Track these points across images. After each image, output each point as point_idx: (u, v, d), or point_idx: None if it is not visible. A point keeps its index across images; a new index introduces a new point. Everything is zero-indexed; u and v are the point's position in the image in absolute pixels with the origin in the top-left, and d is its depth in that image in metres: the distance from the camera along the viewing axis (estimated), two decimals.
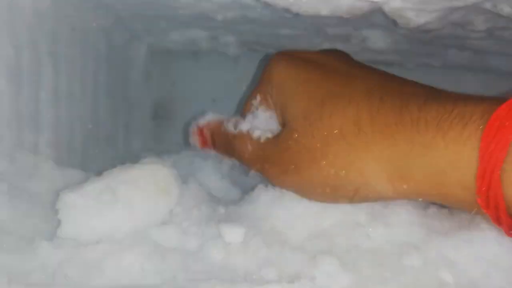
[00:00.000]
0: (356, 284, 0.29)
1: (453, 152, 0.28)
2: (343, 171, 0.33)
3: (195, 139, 0.45)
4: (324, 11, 0.36)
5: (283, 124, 0.38)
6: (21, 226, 0.36)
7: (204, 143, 0.45)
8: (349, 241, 0.33)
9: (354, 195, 0.34)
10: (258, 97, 0.40)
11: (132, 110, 0.64)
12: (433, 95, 0.32)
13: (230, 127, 0.40)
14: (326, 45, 0.61)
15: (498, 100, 0.28)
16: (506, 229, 0.29)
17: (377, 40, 0.51)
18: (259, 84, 0.41)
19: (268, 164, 0.38)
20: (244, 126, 0.39)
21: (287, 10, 0.39)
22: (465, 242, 0.31)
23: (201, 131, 0.45)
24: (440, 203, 0.33)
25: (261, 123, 0.39)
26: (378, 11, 0.36)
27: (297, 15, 0.44)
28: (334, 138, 0.34)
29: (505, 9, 0.33)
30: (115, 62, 0.59)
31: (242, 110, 0.42)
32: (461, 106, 0.29)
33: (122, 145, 0.62)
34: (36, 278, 0.29)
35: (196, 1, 0.46)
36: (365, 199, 0.34)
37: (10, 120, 0.40)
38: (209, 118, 0.44)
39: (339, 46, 0.60)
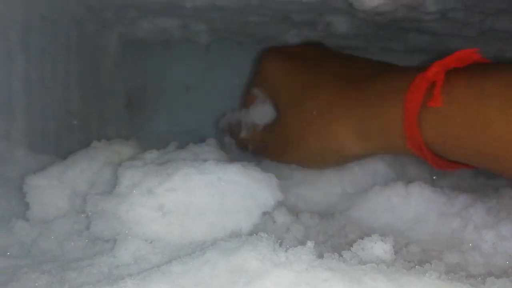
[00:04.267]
0: None
1: (391, 112, 0.37)
2: (326, 142, 0.43)
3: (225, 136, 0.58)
4: None
5: (277, 111, 0.47)
6: None
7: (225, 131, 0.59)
8: None
9: (338, 159, 0.44)
10: (254, 91, 0.50)
11: (105, 99, 0.65)
12: (383, 70, 0.41)
13: (233, 125, 0.49)
14: (294, 32, 0.63)
15: (419, 69, 0.37)
16: (434, 165, 0.37)
17: (340, 25, 0.53)
18: (253, 78, 0.54)
19: (269, 150, 0.49)
20: (245, 120, 0.48)
21: None
22: None
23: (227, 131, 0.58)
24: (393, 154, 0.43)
25: (259, 113, 0.47)
26: None
27: (262, 1, 0.46)
28: (315, 118, 0.43)
29: None
30: (86, 51, 0.59)
31: (242, 104, 0.54)
32: (397, 77, 0.38)
33: (96, 133, 0.63)
34: (14, 251, 0.30)
35: None
36: (346, 159, 0.44)
37: None
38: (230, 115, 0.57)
39: (306, 32, 0.62)
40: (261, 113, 0.51)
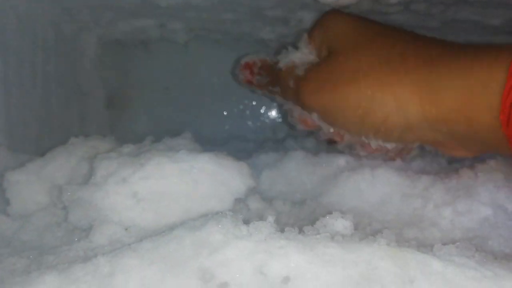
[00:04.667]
0: None
1: (486, 73, 0.31)
2: (379, 93, 0.36)
3: (243, 74, 0.51)
4: None
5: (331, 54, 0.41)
6: None
7: (249, 79, 0.51)
8: None
9: (382, 124, 0.37)
10: (305, 37, 0.44)
11: (85, 100, 0.66)
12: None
13: (277, 59, 0.46)
14: (268, 29, 0.65)
15: None
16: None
17: (311, 20, 0.55)
18: (311, 30, 0.44)
19: (304, 82, 0.41)
20: (289, 57, 0.44)
21: None
22: None
23: (250, 67, 0.50)
24: (460, 135, 0.35)
25: (303, 57, 0.44)
26: None
27: None
28: (379, 63, 0.37)
29: None
30: (65, 52, 0.60)
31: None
32: (495, 46, 0.32)
33: (76, 133, 0.63)
34: None
35: None
36: (390, 131, 0.37)
37: None
38: (254, 56, 0.51)
39: (280, 29, 0.64)
40: (304, 57, 0.44)
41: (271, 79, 0.48)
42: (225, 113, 0.77)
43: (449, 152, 0.39)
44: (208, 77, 0.76)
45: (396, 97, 0.35)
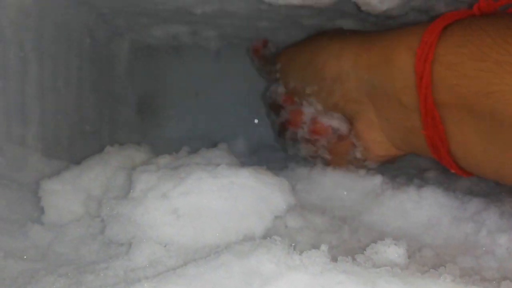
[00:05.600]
0: None
1: (414, 26, 0.37)
2: (327, 41, 0.45)
3: (256, 46, 0.62)
4: (295, 1, 0.39)
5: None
6: (12, 213, 0.38)
7: (259, 51, 0.62)
8: None
9: (322, 67, 0.45)
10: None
11: (117, 105, 0.66)
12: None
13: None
14: (303, 37, 0.63)
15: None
16: (424, 84, 0.36)
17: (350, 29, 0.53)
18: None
19: (278, 57, 0.55)
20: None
21: (261, 1, 0.41)
22: None
23: (265, 42, 0.61)
24: (379, 80, 0.41)
25: None
26: (346, 0, 0.38)
27: (272, 6, 0.46)
28: (338, 39, 0.45)
29: None
30: (98, 57, 0.60)
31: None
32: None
33: (107, 139, 0.63)
34: (29, 255, 0.31)
35: None
36: (325, 75, 0.45)
37: None
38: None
39: None
40: None
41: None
42: (255, 121, 0.75)
43: (367, 136, 0.45)
44: (239, 84, 0.75)
45: (339, 46, 0.44)
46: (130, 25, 0.61)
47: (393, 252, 0.26)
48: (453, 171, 0.38)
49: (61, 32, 0.51)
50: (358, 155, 0.46)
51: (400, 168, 0.49)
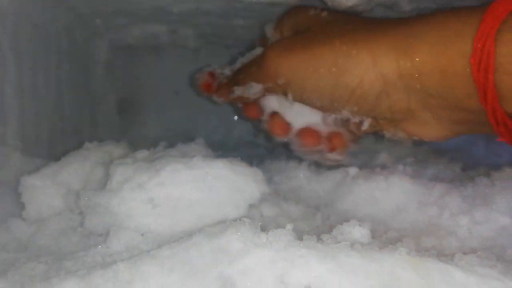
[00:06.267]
0: None
1: (460, 23, 0.31)
2: (354, 50, 0.34)
3: (202, 82, 0.48)
4: None
5: None
6: None
7: (209, 87, 0.48)
8: None
9: (357, 86, 0.35)
10: (270, 27, 0.44)
11: (97, 104, 0.67)
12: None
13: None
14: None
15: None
16: (489, 98, 0.31)
17: None
18: (278, 20, 0.43)
19: (271, 47, 0.38)
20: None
21: None
22: None
23: (211, 74, 0.48)
24: (433, 93, 0.34)
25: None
26: None
27: (245, 4, 0.47)
28: (354, 21, 0.37)
29: None
30: (77, 57, 0.61)
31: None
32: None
33: (88, 138, 0.64)
34: (11, 247, 0.32)
35: None
36: (366, 95, 0.35)
37: None
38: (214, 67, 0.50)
39: None
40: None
41: (232, 80, 0.45)
42: (235, 118, 0.77)
43: (421, 132, 0.37)
44: None
45: (372, 53, 0.34)
46: (109, 25, 0.62)
47: (357, 232, 0.28)
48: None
49: (39, 32, 0.51)
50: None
51: (372, 158, 0.51)
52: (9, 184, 0.43)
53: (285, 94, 0.39)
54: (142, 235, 0.31)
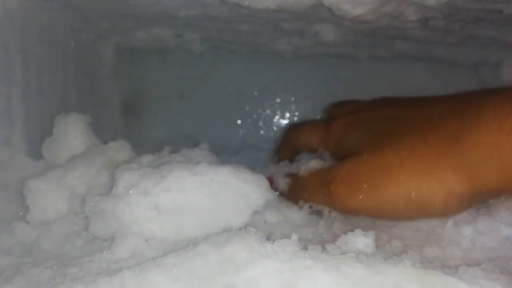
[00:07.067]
0: None
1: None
2: (424, 184, 0.34)
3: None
4: (272, 5, 0.40)
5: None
6: None
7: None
8: None
9: (445, 209, 0.35)
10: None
11: (101, 107, 0.67)
12: (488, 97, 0.33)
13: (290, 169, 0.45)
14: (284, 40, 0.65)
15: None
16: None
17: (328, 33, 0.55)
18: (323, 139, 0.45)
19: (334, 185, 0.38)
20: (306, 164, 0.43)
21: (240, 5, 0.43)
22: None
23: (271, 180, 0.46)
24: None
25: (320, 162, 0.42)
26: (321, 5, 0.40)
27: (251, 10, 0.48)
28: (408, 153, 0.35)
29: (429, 1, 0.38)
30: (83, 60, 0.61)
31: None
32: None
33: None
34: (15, 251, 0.32)
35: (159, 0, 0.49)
36: (456, 210, 0.35)
37: None
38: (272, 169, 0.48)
39: (296, 40, 0.65)
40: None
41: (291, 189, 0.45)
42: (238, 122, 0.77)
43: None
44: (222, 86, 0.77)
45: (443, 183, 0.34)
46: (115, 27, 0.63)
47: (362, 242, 0.28)
48: None
49: (46, 34, 0.52)
50: None
51: None
52: (14, 186, 0.43)
53: None
54: (147, 240, 0.31)
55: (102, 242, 0.33)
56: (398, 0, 0.39)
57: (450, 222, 0.36)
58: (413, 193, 0.34)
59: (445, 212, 0.35)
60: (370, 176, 0.36)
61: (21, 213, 0.39)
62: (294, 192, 0.44)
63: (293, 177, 0.44)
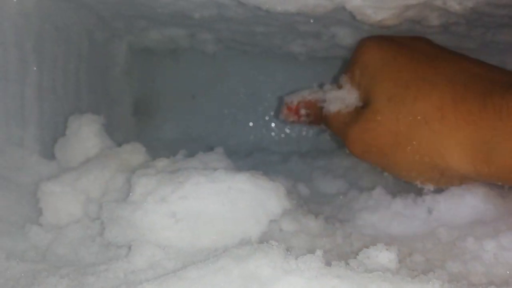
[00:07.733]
0: None
1: None
2: (427, 157, 0.35)
3: (287, 114, 0.50)
4: (293, 9, 0.39)
5: (365, 104, 0.41)
6: (11, 214, 0.38)
7: (295, 120, 0.49)
8: None
9: (440, 179, 0.37)
10: (344, 77, 0.44)
11: (114, 106, 0.67)
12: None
13: (319, 102, 0.46)
14: (299, 42, 0.64)
15: None
16: None
17: (345, 36, 0.54)
18: (347, 65, 0.44)
19: (348, 143, 0.41)
20: (333, 97, 0.44)
21: (258, 8, 0.42)
22: None
23: (296, 107, 0.48)
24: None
25: (347, 98, 0.43)
26: (342, 9, 0.39)
27: (269, 13, 0.47)
28: (418, 124, 0.35)
29: (454, 6, 0.37)
30: (96, 59, 0.61)
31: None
32: None
33: None
34: (30, 256, 0.32)
35: (174, 0, 0.49)
36: (450, 182, 0.37)
37: None
38: (299, 96, 0.49)
39: (311, 42, 0.64)
40: (345, 100, 0.44)
41: (315, 119, 0.48)
42: (250, 124, 0.76)
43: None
44: (235, 87, 0.76)
45: (446, 159, 0.35)
46: (128, 27, 0.62)
47: (385, 257, 0.27)
48: None
49: (61, 34, 0.51)
50: None
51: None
52: (27, 187, 0.43)
53: None
54: (164, 249, 0.30)
55: (117, 249, 0.32)
56: (422, 6, 0.38)
57: (471, 236, 0.35)
58: (417, 165, 0.37)
59: (439, 183, 0.38)
60: (380, 141, 0.38)
61: (34, 215, 0.39)
62: (313, 121, 0.47)
63: (316, 109, 0.47)
